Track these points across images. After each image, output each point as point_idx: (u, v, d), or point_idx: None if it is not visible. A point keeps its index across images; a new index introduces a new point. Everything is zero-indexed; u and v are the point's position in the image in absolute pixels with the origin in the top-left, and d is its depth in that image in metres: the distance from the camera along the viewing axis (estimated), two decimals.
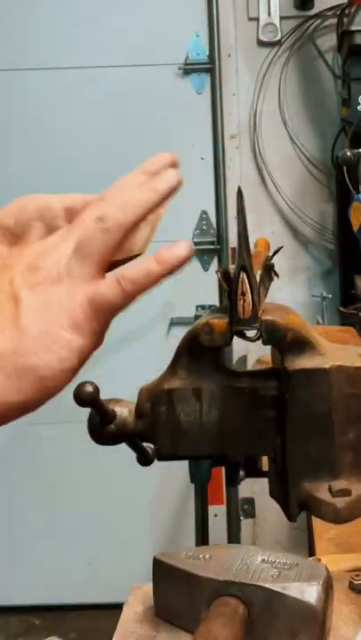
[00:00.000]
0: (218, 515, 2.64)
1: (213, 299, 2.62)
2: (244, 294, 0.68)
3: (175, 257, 0.52)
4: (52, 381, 0.49)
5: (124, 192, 0.53)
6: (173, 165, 0.57)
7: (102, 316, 0.51)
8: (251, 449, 0.76)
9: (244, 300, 0.68)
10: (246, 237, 0.67)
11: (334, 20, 2.49)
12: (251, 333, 0.71)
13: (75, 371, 0.50)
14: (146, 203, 0.53)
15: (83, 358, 0.51)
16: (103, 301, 0.50)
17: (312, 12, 2.55)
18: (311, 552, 1.10)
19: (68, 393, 0.74)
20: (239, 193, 0.67)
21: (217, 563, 0.71)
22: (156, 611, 0.76)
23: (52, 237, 0.54)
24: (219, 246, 2.61)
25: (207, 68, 2.54)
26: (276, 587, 0.67)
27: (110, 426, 0.74)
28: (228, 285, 0.69)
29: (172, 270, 0.52)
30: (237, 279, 0.67)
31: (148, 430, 0.75)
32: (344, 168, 2.13)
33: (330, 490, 0.70)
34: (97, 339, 0.52)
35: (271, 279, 0.74)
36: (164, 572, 0.73)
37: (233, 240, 2.60)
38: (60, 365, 0.49)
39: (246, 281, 0.67)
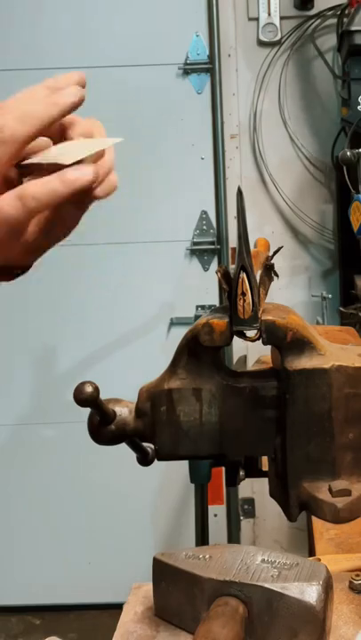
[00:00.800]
0: (218, 515, 2.64)
1: (213, 299, 2.62)
2: (244, 294, 0.68)
3: (80, 179, 0.51)
4: None
5: (24, 103, 0.53)
6: (81, 84, 0.56)
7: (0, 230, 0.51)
8: (251, 449, 0.76)
9: (244, 300, 0.68)
10: (246, 237, 0.67)
11: (334, 20, 2.49)
12: (251, 333, 0.71)
13: None
14: (45, 116, 0.52)
15: None
16: (1, 216, 0.50)
17: (312, 12, 2.55)
18: (311, 552, 1.10)
19: (68, 393, 0.74)
20: (239, 193, 0.67)
21: (217, 563, 0.71)
22: (156, 611, 0.76)
23: None
24: (219, 246, 2.61)
25: (207, 68, 2.54)
26: (276, 587, 0.67)
27: (110, 426, 0.74)
28: (228, 285, 0.69)
29: (75, 193, 0.51)
30: (237, 279, 0.67)
31: (148, 430, 0.75)
32: (344, 168, 2.13)
33: (330, 490, 0.70)
34: None
35: (271, 279, 0.74)
36: (164, 572, 0.73)
37: (233, 240, 2.60)
38: None
39: (246, 281, 0.67)
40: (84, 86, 0.56)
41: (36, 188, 0.51)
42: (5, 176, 0.52)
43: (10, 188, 0.52)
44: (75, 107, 0.54)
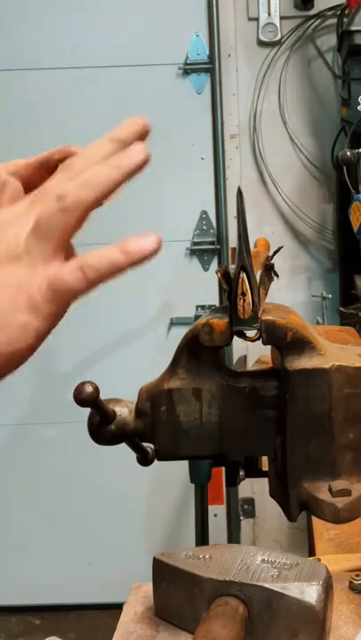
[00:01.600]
0: (218, 515, 2.64)
1: (213, 299, 2.62)
2: (244, 294, 0.68)
3: (142, 250, 0.51)
4: (6, 361, 0.50)
5: (88, 165, 0.52)
6: (144, 133, 0.55)
7: (61, 301, 0.50)
8: (251, 449, 0.76)
9: (244, 300, 0.68)
10: (246, 237, 0.67)
11: (334, 20, 2.49)
12: (251, 333, 0.71)
13: (31, 350, 0.51)
14: (108, 181, 0.51)
15: (40, 339, 0.51)
16: (64, 286, 0.50)
17: (312, 12, 2.55)
18: (311, 552, 1.10)
19: (67, 393, 0.74)
20: (239, 193, 0.67)
21: (217, 563, 0.71)
22: (156, 611, 0.76)
23: (14, 207, 0.54)
24: (219, 246, 2.61)
25: (207, 68, 2.54)
26: (276, 587, 0.67)
27: (110, 426, 0.74)
28: (228, 285, 0.69)
29: (136, 263, 0.51)
30: (237, 279, 0.67)
31: (148, 430, 0.75)
32: (344, 168, 2.13)
33: (330, 490, 0.70)
34: (54, 321, 0.51)
35: (271, 279, 0.74)
36: (163, 572, 0.74)
37: (233, 240, 2.60)
38: (14, 346, 0.49)
39: (246, 281, 0.67)
40: (147, 132, 0.55)
41: (96, 259, 0.50)
42: (70, 245, 0.52)
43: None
44: (139, 168, 0.53)
